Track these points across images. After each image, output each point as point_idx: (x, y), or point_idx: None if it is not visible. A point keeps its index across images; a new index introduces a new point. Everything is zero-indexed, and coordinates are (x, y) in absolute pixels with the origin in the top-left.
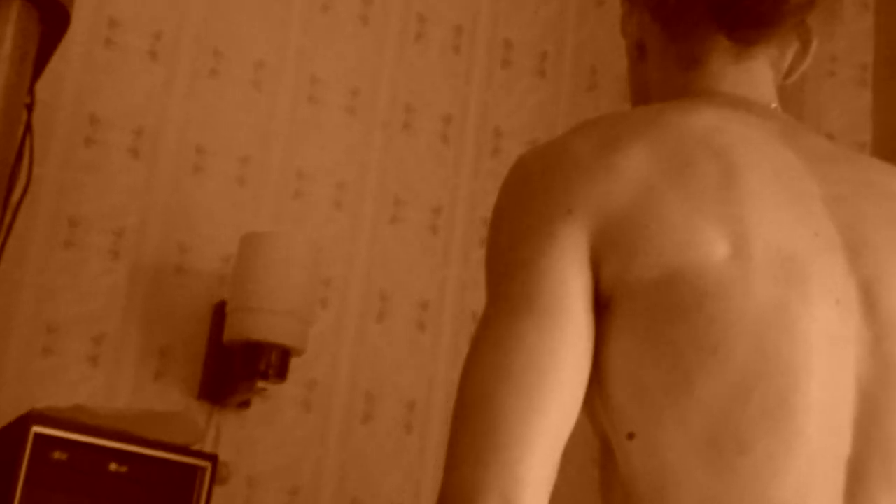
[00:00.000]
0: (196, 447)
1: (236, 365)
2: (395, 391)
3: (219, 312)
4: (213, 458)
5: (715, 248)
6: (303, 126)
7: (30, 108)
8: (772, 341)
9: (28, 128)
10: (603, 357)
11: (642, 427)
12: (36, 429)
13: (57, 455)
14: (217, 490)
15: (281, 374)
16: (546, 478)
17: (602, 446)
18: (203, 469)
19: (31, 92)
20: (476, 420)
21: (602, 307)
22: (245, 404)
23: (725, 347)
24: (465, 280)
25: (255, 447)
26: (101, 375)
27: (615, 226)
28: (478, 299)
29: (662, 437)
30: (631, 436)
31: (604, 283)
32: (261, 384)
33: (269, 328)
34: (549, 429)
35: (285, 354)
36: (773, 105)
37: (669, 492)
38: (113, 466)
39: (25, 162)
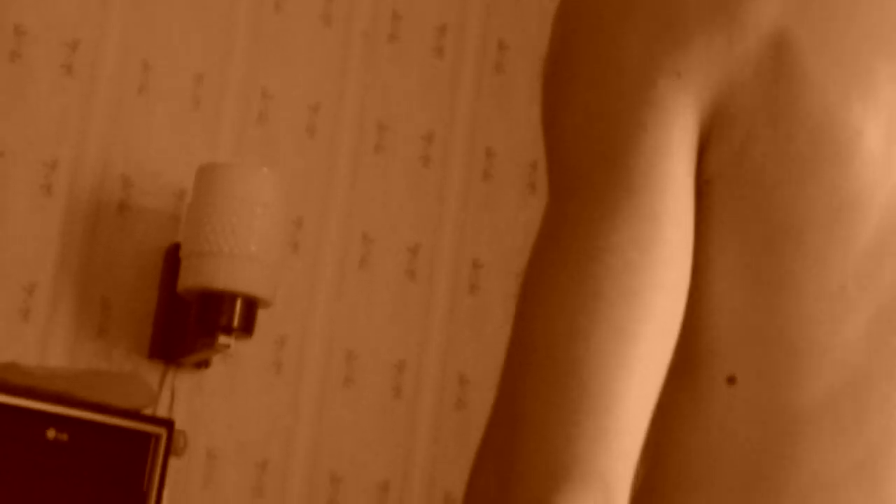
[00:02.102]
0: (148, 412)
1: (193, 318)
2: (381, 350)
3: (171, 257)
4: (168, 424)
5: (865, 127)
6: (268, 37)
7: None
8: None
9: None
10: (694, 270)
11: (749, 368)
12: None
13: None
14: (171, 463)
15: (246, 328)
16: (638, 443)
17: (670, 392)
18: (157, 437)
19: None
20: (555, 370)
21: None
22: (204, 364)
23: (879, 266)
24: (464, 221)
25: (216, 414)
26: (32, 331)
27: (736, 97)
28: (479, 244)
29: (779, 386)
30: (731, 380)
31: (706, 169)
32: (222, 340)
33: (230, 275)
34: (649, 387)
35: (251, 306)
36: None
37: (791, 456)
38: (51, 434)
39: None
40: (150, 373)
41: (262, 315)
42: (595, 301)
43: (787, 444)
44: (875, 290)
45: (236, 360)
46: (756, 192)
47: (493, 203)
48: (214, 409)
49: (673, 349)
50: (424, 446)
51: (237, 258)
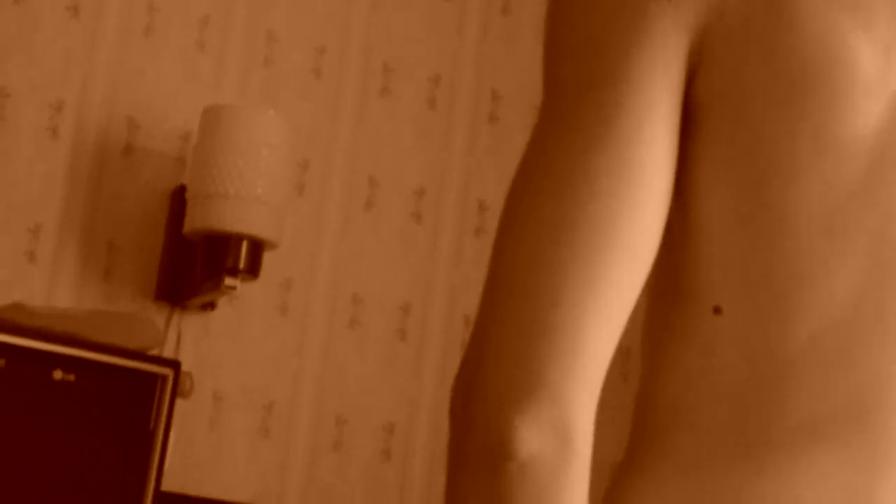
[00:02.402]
0: (154, 353)
1: (199, 260)
2: (387, 292)
3: (177, 199)
4: (175, 365)
5: (859, 63)
6: None
7: None
8: None
9: None
10: (684, 198)
11: (734, 300)
12: None
13: None
14: (178, 405)
15: (252, 270)
16: (600, 372)
17: (662, 319)
18: (164, 377)
19: None
20: (524, 292)
21: (683, 124)
22: (210, 306)
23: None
24: (471, 165)
25: (222, 357)
26: (39, 273)
27: (726, 23)
28: (485, 186)
29: (763, 322)
30: (717, 310)
31: (695, 96)
32: (228, 282)
33: (236, 217)
34: (614, 311)
35: (256, 248)
36: None
37: (778, 398)
38: (58, 374)
39: None
40: (156, 315)
41: (267, 257)
42: (562, 227)
43: (773, 380)
44: (863, 234)
45: (242, 302)
46: (744, 123)
47: (498, 145)
48: (220, 351)
49: (645, 276)
50: (430, 389)
51: (243, 200)
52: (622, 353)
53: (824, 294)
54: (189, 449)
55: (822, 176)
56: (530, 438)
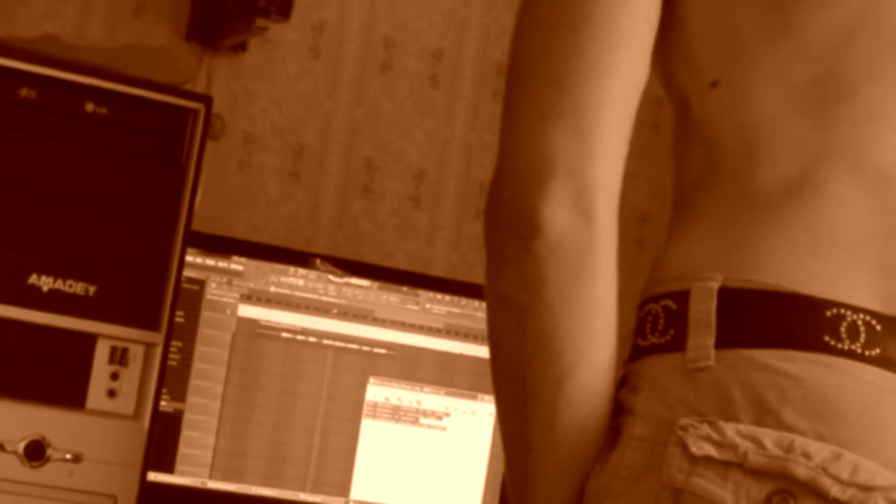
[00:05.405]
0: (187, 87)
1: (230, 0)
2: (419, 37)
3: None
4: (206, 100)
5: None
6: None
7: None
8: None
9: None
10: None
11: (729, 73)
12: None
13: (24, 92)
14: (208, 146)
15: (284, 10)
16: (617, 151)
17: (675, 103)
18: (195, 112)
19: None
20: (535, 82)
21: None
22: (241, 47)
23: None
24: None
25: (253, 98)
26: (70, 10)
27: None
28: None
29: (754, 85)
30: (715, 84)
31: None
32: (260, 23)
33: None
34: (619, 89)
35: None
36: None
37: (762, 147)
38: (90, 107)
39: None
40: (188, 55)
41: None
42: (568, 23)
43: (759, 137)
44: None
45: (274, 44)
46: None
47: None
48: (251, 93)
49: (647, 65)
50: (461, 135)
51: None
52: (639, 221)
53: (817, 34)
54: (219, 190)
55: None
56: (554, 215)
